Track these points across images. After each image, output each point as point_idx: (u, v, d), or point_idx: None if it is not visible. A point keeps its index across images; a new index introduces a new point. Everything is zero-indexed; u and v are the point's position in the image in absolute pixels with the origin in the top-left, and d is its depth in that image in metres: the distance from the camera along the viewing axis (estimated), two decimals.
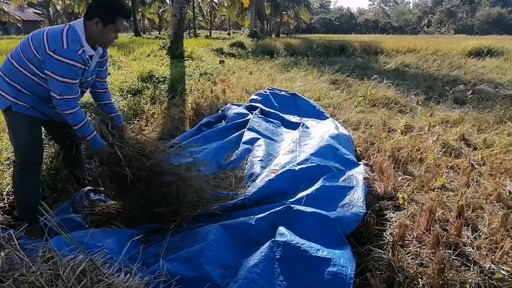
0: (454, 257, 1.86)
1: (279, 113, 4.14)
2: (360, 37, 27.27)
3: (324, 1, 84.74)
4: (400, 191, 2.58)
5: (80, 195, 2.32)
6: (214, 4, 38.12)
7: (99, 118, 2.06)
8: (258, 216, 1.94)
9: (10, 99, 1.89)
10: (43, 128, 2.17)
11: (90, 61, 1.94)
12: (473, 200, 2.42)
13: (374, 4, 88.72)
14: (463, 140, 3.66)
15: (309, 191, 2.29)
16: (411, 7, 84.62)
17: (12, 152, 2.75)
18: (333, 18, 66.87)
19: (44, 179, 2.49)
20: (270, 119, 3.93)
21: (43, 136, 2.28)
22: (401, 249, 1.93)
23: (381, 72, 8.41)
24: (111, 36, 1.94)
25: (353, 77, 7.58)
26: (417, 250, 1.92)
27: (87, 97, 2.48)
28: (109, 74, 5.04)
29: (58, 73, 1.78)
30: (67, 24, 1.90)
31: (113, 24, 1.90)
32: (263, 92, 4.82)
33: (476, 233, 2.08)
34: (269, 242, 1.69)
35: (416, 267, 1.78)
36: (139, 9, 33.28)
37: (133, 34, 27.99)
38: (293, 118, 4.01)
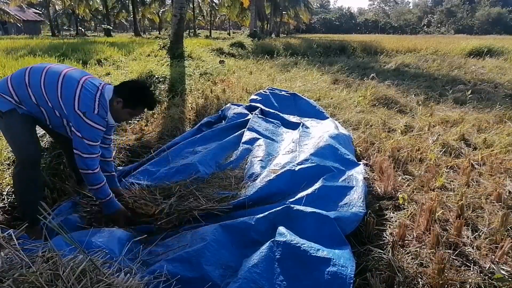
0: (454, 257, 1.86)
1: (279, 113, 4.14)
2: (360, 37, 27.24)
3: (324, 1, 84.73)
4: (400, 191, 2.58)
5: (80, 195, 2.32)
6: (214, 4, 38.12)
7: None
8: (258, 216, 1.94)
9: (14, 103, 1.87)
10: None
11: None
12: (473, 200, 2.42)
13: (374, 4, 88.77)
14: (463, 140, 3.66)
15: (309, 191, 2.29)
16: (411, 7, 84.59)
17: (11, 151, 2.74)
18: (333, 18, 66.81)
19: (44, 179, 2.49)
20: (270, 119, 3.93)
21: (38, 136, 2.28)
22: (401, 249, 1.93)
23: (381, 72, 8.41)
24: (126, 117, 2.06)
25: (353, 77, 7.58)
26: (417, 250, 1.92)
27: None
28: (110, 83, 5.04)
29: (85, 134, 1.86)
30: (98, 87, 1.93)
31: (131, 110, 2.00)
32: (263, 92, 4.82)
33: (476, 233, 2.08)
34: (269, 242, 1.69)
35: (416, 267, 1.78)
36: (139, 9, 33.27)
37: (133, 34, 28.00)
38: (293, 118, 4.01)
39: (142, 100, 2.00)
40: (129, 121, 4.21)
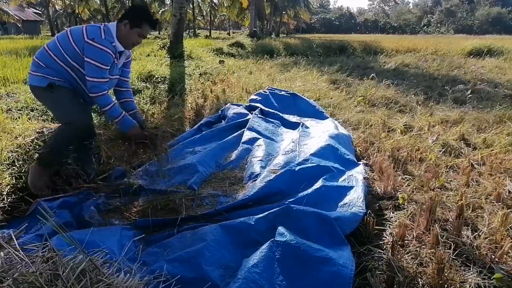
0: (454, 257, 1.86)
1: (278, 113, 4.14)
2: (360, 37, 27.24)
3: (323, 1, 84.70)
4: (400, 191, 2.58)
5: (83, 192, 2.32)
6: (214, 4, 38.11)
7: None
8: (257, 216, 1.94)
9: (51, 78, 2.15)
10: None
11: (119, 57, 2.28)
12: (473, 200, 2.42)
13: (374, 4, 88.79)
14: (462, 140, 3.66)
15: (309, 191, 2.29)
16: (410, 7, 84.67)
17: (14, 151, 2.74)
18: (333, 18, 66.85)
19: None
20: (270, 119, 3.93)
21: None
22: (401, 249, 1.93)
23: (380, 72, 8.41)
24: (135, 38, 2.27)
25: (353, 77, 7.58)
26: (417, 250, 1.92)
27: None
28: None
29: (94, 57, 2.09)
30: (103, 23, 2.22)
31: (139, 28, 2.23)
32: (263, 92, 4.82)
33: (476, 233, 2.08)
34: (268, 242, 1.69)
35: (416, 267, 1.78)
36: None
37: None
38: (293, 118, 4.01)
39: (146, 16, 2.24)
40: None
